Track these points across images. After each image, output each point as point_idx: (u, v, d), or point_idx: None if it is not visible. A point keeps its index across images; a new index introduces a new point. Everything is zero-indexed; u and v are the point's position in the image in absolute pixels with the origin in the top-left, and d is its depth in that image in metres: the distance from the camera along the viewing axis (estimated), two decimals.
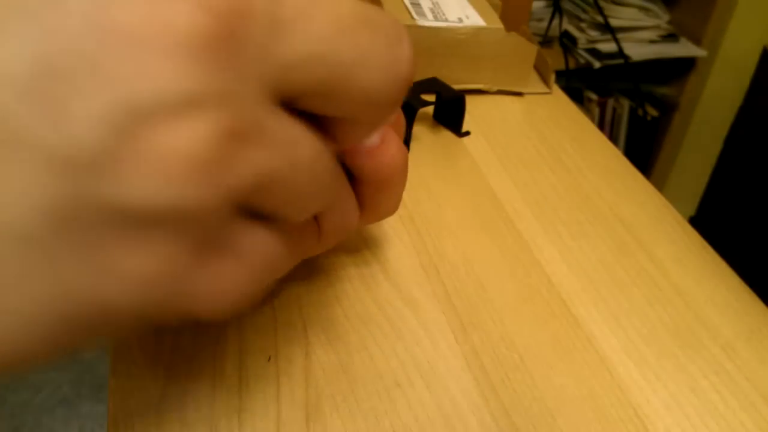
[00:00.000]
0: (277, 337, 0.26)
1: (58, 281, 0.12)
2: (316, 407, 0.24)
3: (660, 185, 1.47)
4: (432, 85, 0.41)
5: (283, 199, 0.16)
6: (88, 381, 1.21)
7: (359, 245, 0.31)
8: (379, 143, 0.23)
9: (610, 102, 1.35)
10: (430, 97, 0.39)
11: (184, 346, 0.25)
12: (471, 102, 0.43)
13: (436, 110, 0.42)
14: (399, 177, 0.24)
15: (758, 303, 0.30)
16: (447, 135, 0.41)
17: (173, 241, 0.13)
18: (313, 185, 0.16)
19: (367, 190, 0.24)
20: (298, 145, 0.15)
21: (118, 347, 0.25)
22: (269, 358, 0.25)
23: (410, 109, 0.38)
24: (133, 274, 0.13)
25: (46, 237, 0.12)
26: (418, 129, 0.41)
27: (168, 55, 0.11)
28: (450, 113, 0.41)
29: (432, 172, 0.37)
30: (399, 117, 0.25)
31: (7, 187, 0.11)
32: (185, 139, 0.12)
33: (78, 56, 0.11)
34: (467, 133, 0.41)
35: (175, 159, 0.12)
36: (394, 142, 0.23)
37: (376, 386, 0.25)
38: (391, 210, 0.26)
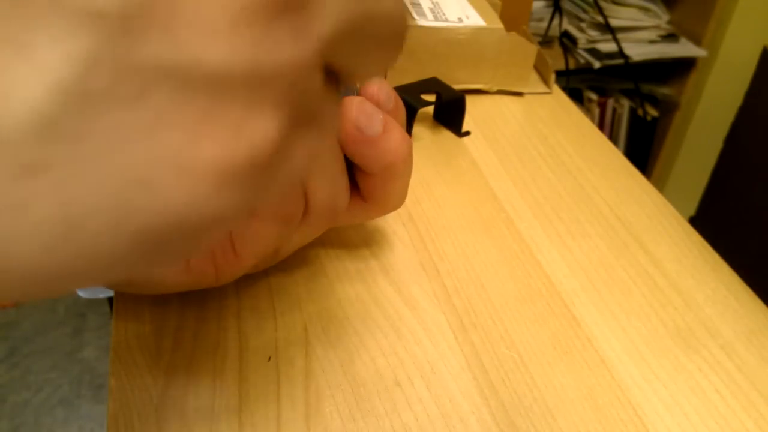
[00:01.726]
0: (277, 337, 0.26)
1: (105, 180, 0.09)
2: (316, 407, 0.24)
3: (660, 185, 1.47)
4: (432, 85, 0.41)
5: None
6: (88, 381, 1.22)
7: (359, 245, 0.31)
8: (382, 132, 0.23)
9: (610, 102, 1.35)
10: (430, 97, 0.39)
11: (184, 346, 0.25)
12: (471, 102, 0.43)
13: (436, 110, 0.42)
14: (404, 166, 0.24)
15: (758, 303, 0.30)
16: (447, 135, 0.41)
17: (260, 110, 0.10)
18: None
19: (372, 180, 0.24)
20: (336, 117, 0.13)
21: (118, 347, 0.25)
22: (269, 358, 0.25)
23: (410, 109, 0.38)
24: (222, 166, 0.10)
25: (82, 112, 0.09)
26: (418, 129, 0.41)
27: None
28: (450, 113, 0.41)
29: (432, 172, 0.37)
30: (398, 104, 0.25)
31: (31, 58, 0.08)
32: None
33: None
34: (467, 133, 0.41)
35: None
36: (397, 130, 0.23)
37: (376, 386, 0.25)
38: (398, 202, 0.26)
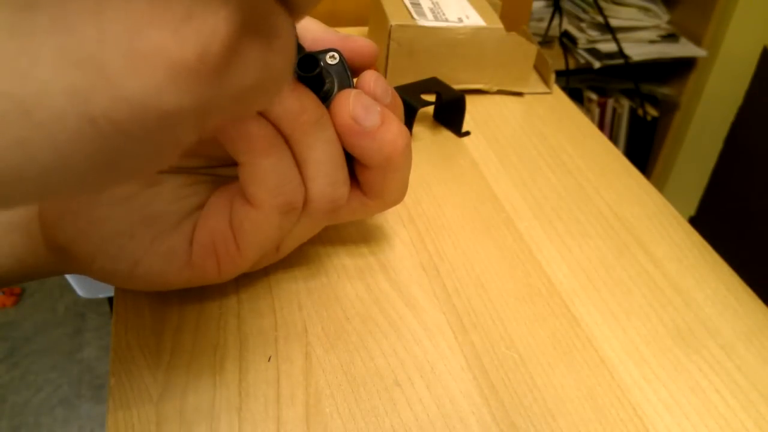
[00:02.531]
0: (277, 337, 0.26)
1: (71, 65, 0.10)
2: (316, 407, 0.24)
3: (660, 185, 1.47)
4: (432, 85, 0.41)
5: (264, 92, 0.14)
6: (88, 381, 1.22)
7: (359, 245, 0.31)
8: (380, 124, 0.23)
9: (610, 102, 1.35)
10: (430, 97, 0.39)
11: (184, 346, 0.25)
12: (471, 102, 0.43)
13: (436, 110, 0.42)
14: (402, 158, 0.24)
15: (758, 303, 0.30)
16: (447, 135, 0.41)
17: (209, 5, 0.11)
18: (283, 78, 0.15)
19: (372, 173, 0.24)
20: (290, 36, 0.14)
21: (118, 347, 0.25)
22: (269, 358, 0.25)
23: (410, 109, 0.38)
24: (175, 60, 0.11)
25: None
26: (418, 129, 0.41)
27: None
28: (450, 113, 0.41)
29: (432, 172, 0.37)
30: (395, 99, 0.25)
31: None
32: None
33: None
34: (467, 133, 0.41)
35: None
36: (395, 122, 0.23)
37: (376, 386, 0.25)
38: (398, 196, 0.26)
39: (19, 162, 0.10)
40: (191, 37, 0.11)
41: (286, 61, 0.14)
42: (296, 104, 0.21)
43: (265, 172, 0.22)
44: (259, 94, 0.14)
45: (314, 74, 0.22)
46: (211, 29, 0.11)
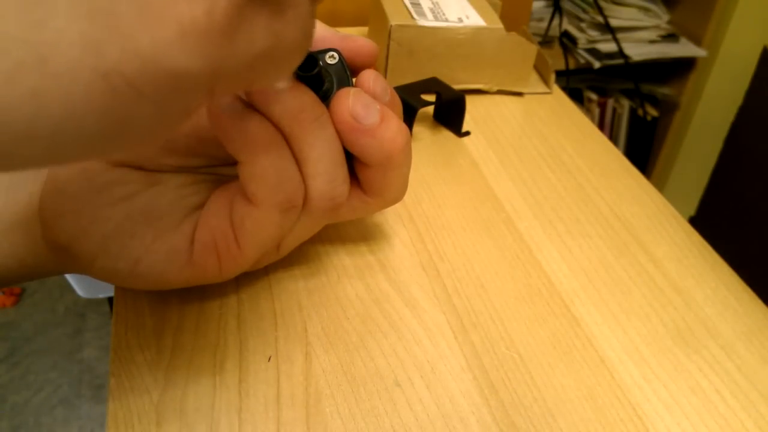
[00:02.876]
0: (277, 337, 0.26)
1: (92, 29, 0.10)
2: (316, 407, 0.24)
3: (660, 185, 1.47)
4: (432, 85, 0.41)
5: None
6: (88, 381, 1.22)
7: (359, 245, 0.31)
8: (379, 122, 0.23)
9: (610, 102, 1.35)
10: (430, 97, 0.39)
11: (184, 346, 0.25)
12: (471, 102, 0.43)
13: (436, 110, 0.42)
14: (402, 156, 0.24)
15: (758, 303, 0.30)
16: (447, 135, 0.41)
17: None
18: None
19: (372, 172, 0.24)
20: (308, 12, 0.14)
21: (118, 347, 0.25)
22: (269, 358, 0.25)
23: (410, 109, 0.38)
24: (178, 9, 0.11)
25: None
26: (418, 129, 0.41)
27: None
28: (450, 113, 0.41)
29: (432, 172, 0.37)
30: (394, 98, 0.25)
31: None
32: None
33: None
34: (467, 133, 0.41)
35: None
36: (394, 120, 0.23)
37: (376, 386, 0.25)
38: (398, 194, 0.26)
39: (32, 115, 0.10)
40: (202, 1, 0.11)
41: (300, 33, 0.14)
42: (296, 103, 0.21)
43: (265, 171, 0.22)
44: (270, 64, 0.14)
45: (313, 74, 0.22)
46: None
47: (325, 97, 0.23)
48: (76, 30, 0.10)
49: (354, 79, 0.24)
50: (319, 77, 0.23)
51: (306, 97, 0.22)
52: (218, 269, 0.24)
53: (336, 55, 0.24)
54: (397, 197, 0.26)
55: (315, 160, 0.23)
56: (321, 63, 0.23)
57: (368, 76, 0.24)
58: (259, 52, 0.13)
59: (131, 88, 0.11)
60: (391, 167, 0.24)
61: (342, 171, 0.24)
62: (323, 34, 0.24)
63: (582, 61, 1.22)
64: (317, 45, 0.24)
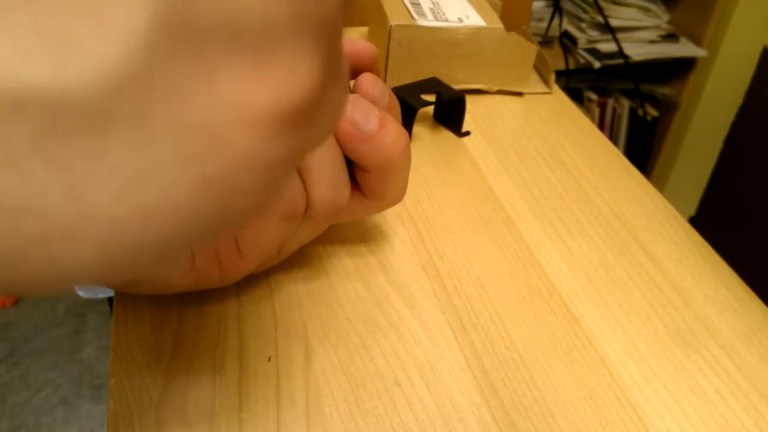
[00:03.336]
0: (277, 337, 0.26)
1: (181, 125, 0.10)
2: (316, 407, 0.24)
3: (660, 185, 1.47)
4: (432, 85, 0.41)
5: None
6: (88, 381, 1.22)
7: (359, 245, 0.31)
8: (378, 128, 0.23)
9: (610, 102, 1.35)
10: (430, 97, 0.39)
11: (184, 346, 0.25)
12: (471, 102, 0.43)
13: (436, 110, 0.42)
14: (402, 160, 0.24)
15: (758, 303, 0.30)
16: (447, 135, 0.41)
17: (305, 53, 0.11)
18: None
19: (372, 177, 0.24)
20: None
21: (118, 347, 0.25)
22: (269, 358, 0.25)
23: (410, 109, 0.37)
24: (271, 105, 0.11)
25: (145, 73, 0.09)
26: (418, 129, 0.41)
27: None
28: (450, 113, 0.41)
29: (432, 172, 0.37)
30: (393, 100, 0.25)
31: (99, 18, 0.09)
32: None
33: None
34: (467, 133, 0.41)
35: None
36: (393, 125, 0.23)
37: (376, 386, 0.25)
38: (398, 197, 0.26)
39: (139, 230, 0.11)
40: (295, 87, 0.11)
41: (347, 91, 0.14)
42: None
43: None
44: (332, 128, 0.14)
45: None
46: (309, 74, 0.11)
47: None
48: (178, 146, 0.10)
49: (352, 83, 0.24)
50: None
51: None
52: (220, 276, 0.24)
53: None
54: (397, 199, 0.26)
55: (316, 169, 0.23)
56: None
57: (366, 80, 0.24)
58: (334, 122, 0.13)
59: (231, 186, 0.11)
60: (392, 171, 0.24)
61: (342, 177, 0.24)
62: None
63: (582, 61, 1.22)
64: None
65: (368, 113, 0.23)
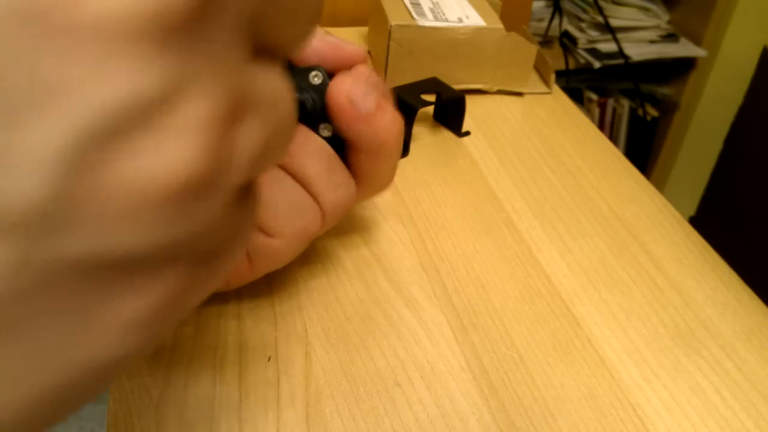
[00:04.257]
0: (277, 337, 0.26)
1: (41, 355, 0.10)
2: (316, 407, 0.24)
3: (660, 185, 1.47)
4: (432, 85, 0.41)
5: (272, 159, 0.12)
6: None
7: (359, 245, 0.31)
8: (375, 109, 0.23)
9: (610, 102, 1.35)
10: (430, 97, 0.39)
11: (184, 346, 0.25)
12: (471, 102, 0.43)
13: (436, 110, 0.42)
14: (394, 144, 0.24)
15: (758, 303, 0.30)
16: (447, 135, 0.41)
17: (171, 271, 0.11)
18: (289, 132, 0.13)
19: (363, 158, 0.24)
20: (282, 93, 0.12)
21: None
22: (269, 358, 0.25)
23: (410, 109, 0.37)
24: (128, 320, 0.11)
25: (14, 310, 0.09)
26: (418, 129, 0.41)
27: (125, 42, 0.08)
28: (450, 113, 0.41)
29: (432, 172, 0.37)
30: (387, 91, 0.25)
31: None
32: (168, 152, 0.09)
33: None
34: (467, 133, 0.41)
35: (155, 186, 0.09)
36: (390, 109, 0.23)
37: (376, 386, 0.25)
38: (386, 182, 0.26)
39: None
40: (150, 300, 0.11)
41: (287, 110, 0.12)
42: None
43: (271, 202, 0.22)
44: (272, 152, 0.12)
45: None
46: (164, 288, 0.11)
47: (310, 120, 0.23)
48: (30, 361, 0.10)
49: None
50: (300, 106, 0.23)
51: None
52: (225, 284, 0.25)
53: (320, 74, 0.23)
54: (384, 186, 0.26)
55: (316, 176, 0.23)
56: (296, 81, 0.23)
57: (362, 72, 0.24)
58: (260, 154, 0.11)
59: (80, 386, 0.11)
60: (383, 155, 0.24)
61: (342, 173, 0.24)
62: (313, 43, 0.24)
63: (582, 61, 1.22)
64: (306, 55, 0.24)
65: (367, 93, 0.23)
